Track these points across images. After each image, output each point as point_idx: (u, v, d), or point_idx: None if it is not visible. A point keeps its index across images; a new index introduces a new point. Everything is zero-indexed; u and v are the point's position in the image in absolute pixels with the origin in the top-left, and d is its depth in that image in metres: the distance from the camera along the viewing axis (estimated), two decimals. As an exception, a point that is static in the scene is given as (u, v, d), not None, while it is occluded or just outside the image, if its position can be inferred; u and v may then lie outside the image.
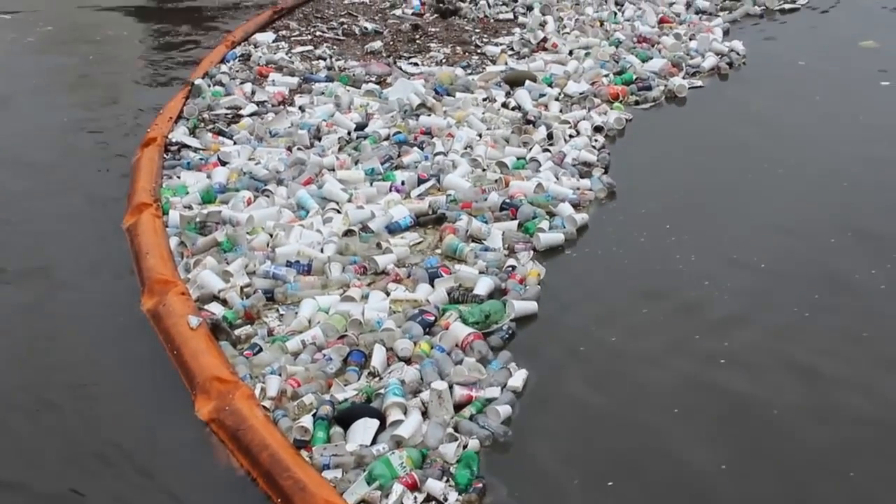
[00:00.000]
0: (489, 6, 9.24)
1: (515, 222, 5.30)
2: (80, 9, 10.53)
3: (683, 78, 7.61)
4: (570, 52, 8.02)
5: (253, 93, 7.21)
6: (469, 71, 7.71)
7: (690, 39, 8.35)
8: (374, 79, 7.50)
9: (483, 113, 6.78)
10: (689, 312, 4.51)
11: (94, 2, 10.81)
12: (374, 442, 3.69)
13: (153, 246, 5.04)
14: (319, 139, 6.43)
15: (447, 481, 3.48)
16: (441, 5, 9.29)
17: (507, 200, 5.48)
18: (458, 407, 3.88)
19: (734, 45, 8.20)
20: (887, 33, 8.79)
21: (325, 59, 7.97)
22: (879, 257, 4.94)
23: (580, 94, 7.12)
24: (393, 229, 5.27)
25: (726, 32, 8.64)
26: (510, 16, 9.05)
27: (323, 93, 7.18)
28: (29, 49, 9.10)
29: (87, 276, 5.00)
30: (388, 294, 4.64)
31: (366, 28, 8.73)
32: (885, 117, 6.96)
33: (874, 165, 6.12)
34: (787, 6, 9.31)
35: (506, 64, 7.80)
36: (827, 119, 6.95)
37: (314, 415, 3.80)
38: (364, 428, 3.74)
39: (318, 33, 8.69)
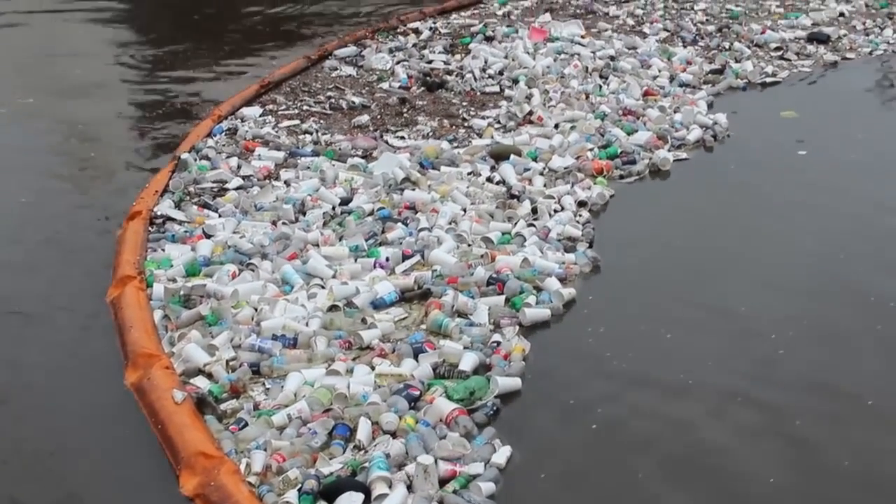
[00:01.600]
0: (475, 79, 9.47)
1: (502, 297, 5.43)
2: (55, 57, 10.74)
3: (668, 150, 7.81)
4: (556, 126, 8.22)
5: (239, 167, 7.38)
6: (455, 144, 7.90)
7: (675, 112, 8.57)
8: (359, 153, 7.67)
9: (468, 187, 6.94)
10: (677, 396, 4.60)
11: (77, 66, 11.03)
12: (358, 517, 3.77)
13: (137, 319, 5.15)
14: (304, 214, 6.58)
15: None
16: (428, 79, 9.51)
17: (494, 275, 5.61)
18: (442, 482, 3.97)
19: (718, 117, 8.42)
20: (846, 108, 8.99)
21: (311, 134, 8.15)
22: (877, 317, 5.07)
23: (564, 168, 7.30)
24: (378, 305, 5.39)
25: (710, 105, 8.87)
26: (496, 89, 9.27)
27: (308, 167, 7.34)
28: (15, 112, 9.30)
29: (68, 350, 5.09)
30: (373, 368, 4.75)
31: (353, 102, 8.94)
32: (880, 185, 7.14)
33: (865, 233, 6.28)
34: (768, 80, 9.57)
35: (492, 137, 7.99)
36: (813, 190, 7.12)
37: (299, 489, 3.88)
38: (349, 502, 3.82)
39: (305, 107, 8.89)
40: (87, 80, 10.35)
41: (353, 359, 4.88)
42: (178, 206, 6.74)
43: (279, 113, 8.74)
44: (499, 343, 5.00)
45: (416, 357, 4.87)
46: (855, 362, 4.86)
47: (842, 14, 11.14)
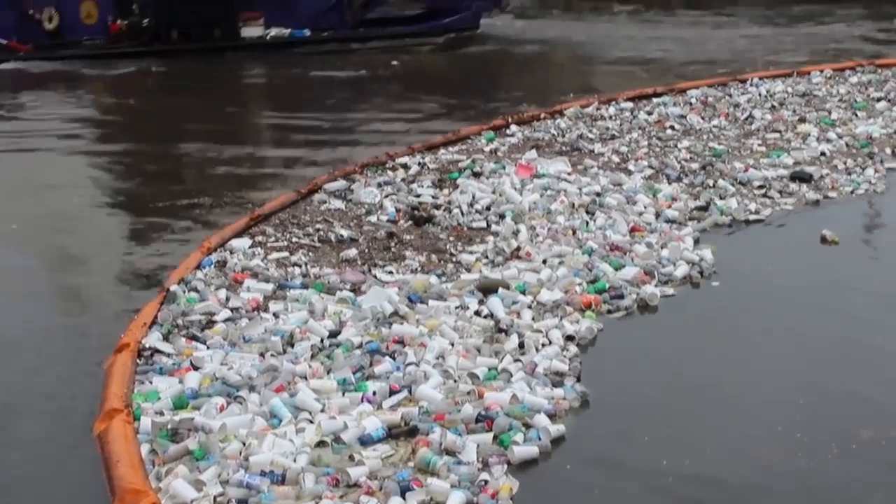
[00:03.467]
0: (462, 214, 9.67)
1: (490, 434, 5.49)
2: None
3: (656, 286, 7.97)
4: (544, 261, 8.38)
5: (227, 299, 7.48)
6: (443, 279, 8.04)
7: (662, 248, 8.76)
8: (348, 286, 7.80)
9: (455, 321, 7.06)
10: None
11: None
12: None
13: (124, 454, 5.18)
14: (293, 346, 6.67)
15: None
16: (415, 213, 9.71)
17: (483, 412, 5.68)
18: None
19: (704, 254, 8.61)
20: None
21: (300, 266, 8.30)
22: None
23: (553, 302, 7.44)
24: (365, 441, 5.44)
25: (696, 241, 9.06)
26: (483, 224, 9.46)
27: (297, 300, 7.46)
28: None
29: (53, 484, 5.10)
30: (360, 506, 4.78)
31: (341, 235, 9.10)
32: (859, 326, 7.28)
33: (854, 374, 6.39)
34: (751, 217, 9.80)
35: (480, 272, 8.15)
36: (801, 330, 7.26)
37: None
38: None
39: (294, 240, 9.05)
40: (72, 208, 10.53)
41: (341, 496, 4.91)
42: (166, 338, 6.82)
43: (268, 245, 8.88)
44: (486, 482, 5.04)
45: (403, 495, 4.90)
46: None
47: (823, 153, 11.46)
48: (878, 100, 13.70)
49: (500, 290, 7.57)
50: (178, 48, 20.13)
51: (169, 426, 5.51)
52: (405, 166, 11.19)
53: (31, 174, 12.19)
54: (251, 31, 20.71)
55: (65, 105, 16.92)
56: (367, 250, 8.80)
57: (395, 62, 20.04)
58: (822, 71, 15.62)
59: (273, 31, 20.87)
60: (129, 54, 20.09)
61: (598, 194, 10.04)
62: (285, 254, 8.63)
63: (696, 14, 25.33)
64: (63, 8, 20.72)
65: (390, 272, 8.23)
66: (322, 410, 5.76)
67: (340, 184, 10.55)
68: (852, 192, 10.57)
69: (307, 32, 20.84)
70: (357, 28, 21.21)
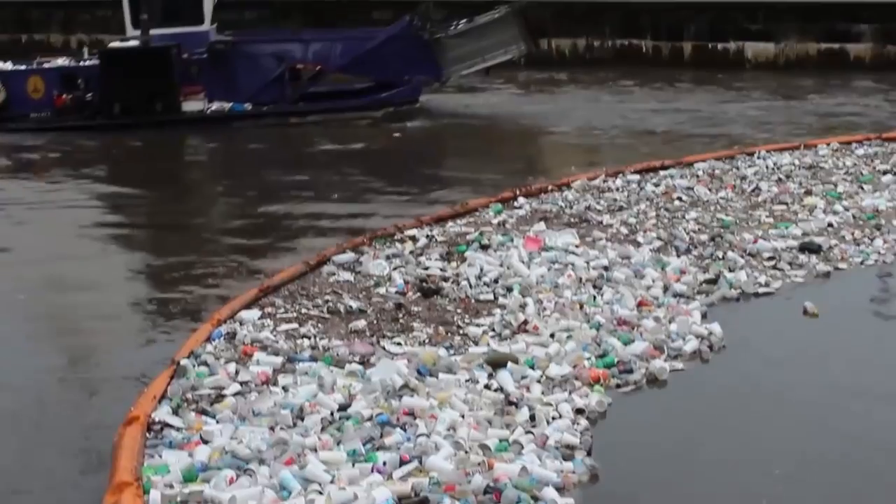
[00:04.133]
0: (470, 286, 9.77)
1: (499, 506, 5.54)
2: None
3: (665, 361, 8.03)
4: (552, 335, 8.46)
5: (237, 372, 7.56)
6: (452, 352, 8.12)
7: (670, 322, 8.83)
8: (357, 358, 7.88)
9: (466, 394, 7.13)
10: None
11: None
12: None
13: (135, 527, 5.23)
14: (302, 419, 6.73)
15: None
16: (424, 284, 9.82)
17: (492, 484, 5.73)
18: None
19: (713, 328, 8.68)
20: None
21: (309, 338, 8.39)
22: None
23: (562, 376, 7.51)
24: (376, 512, 5.49)
25: (705, 315, 9.13)
26: (491, 297, 9.56)
27: (306, 373, 7.54)
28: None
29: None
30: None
31: (350, 306, 9.21)
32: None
33: (866, 450, 6.43)
34: (760, 290, 9.87)
35: (488, 345, 8.23)
36: (810, 405, 7.31)
37: None
38: None
39: (303, 311, 9.16)
40: (84, 280, 10.67)
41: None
42: (175, 412, 6.90)
43: (278, 316, 8.99)
44: (497, 553, 5.07)
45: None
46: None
47: (830, 225, 11.57)
48: (885, 173, 13.84)
49: (509, 364, 7.64)
50: (120, 122, 20.66)
51: (179, 499, 5.57)
52: (413, 238, 11.32)
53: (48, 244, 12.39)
54: (192, 106, 21.25)
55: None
56: (375, 322, 8.89)
57: (397, 134, 20.48)
58: (828, 144, 15.78)
59: (214, 106, 21.41)
60: (74, 127, 20.63)
61: (605, 268, 10.12)
62: (294, 325, 8.73)
63: (710, 87, 25.65)
64: (11, 82, 21.33)
65: (399, 343, 8.31)
66: (332, 481, 5.81)
67: (349, 256, 10.67)
68: (862, 263, 10.66)
69: (248, 107, 21.40)
70: (296, 102, 21.74)
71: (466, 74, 22.80)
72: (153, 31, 21.20)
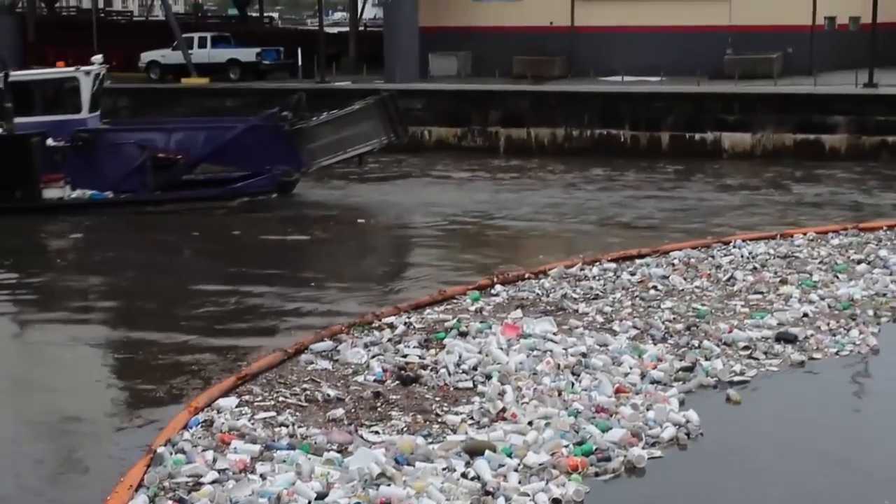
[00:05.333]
0: (449, 374, 9.86)
1: None
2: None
3: (643, 448, 8.12)
4: (530, 423, 8.54)
5: (214, 460, 7.60)
6: (430, 440, 8.18)
7: (648, 410, 8.93)
8: (335, 447, 7.93)
9: (442, 483, 7.18)
10: None
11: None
12: None
13: None
14: (280, 508, 6.77)
15: None
16: (402, 372, 9.90)
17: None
18: None
19: (690, 415, 8.78)
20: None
21: (287, 426, 8.44)
22: None
23: (539, 464, 7.58)
24: None
25: (682, 403, 9.24)
26: (470, 384, 9.65)
27: (284, 461, 7.58)
28: None
29: None
30: None
31: (328, 395, 9.28)
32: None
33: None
34: (736, 378, 10.00)
35: (466, 433, 8.30)
36: (787, 491, 7.39)
37: None
38: None
39: (281, 399, 9.22)
40: (60, 371, 10.70)
41: None
42: (152, 501, 6.92)
43: (255, 404, 9.04)
44: None
45: None
46: None
47: (806, 314, 11.75)
48: (859, 262, 14.08)
49: (487, 452, 7.71)
50: None
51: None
52: (391, 326, 11.43)
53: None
54: (52, 193, 21.75)
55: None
56: (353, 410, 8.96)
57: (360, 220, 20.78)
58: (805, 233, 16.03)
59: (75, 193, 21.89)
60: None
61: (583, 355, 10.26)
62: (272, 413, 8.79)
63: (688, 176, 26.07)
64: None
65: (377, 432, 8.37)
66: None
67: (327, 344, 10.76)
68: (837, 353, 10.80)
69: (109, 194, 21.92)
70: (154, 191, 22.26)
71: (328, 165, 23.33)
72: (29, 119, 21.72)
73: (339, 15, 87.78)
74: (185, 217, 20.86)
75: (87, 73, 22.58)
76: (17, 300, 14.95)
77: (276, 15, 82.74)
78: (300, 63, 38.98)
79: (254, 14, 64.25)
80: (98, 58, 23.46)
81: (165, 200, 22.09)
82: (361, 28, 53.03)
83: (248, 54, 40.12)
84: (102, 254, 18.85)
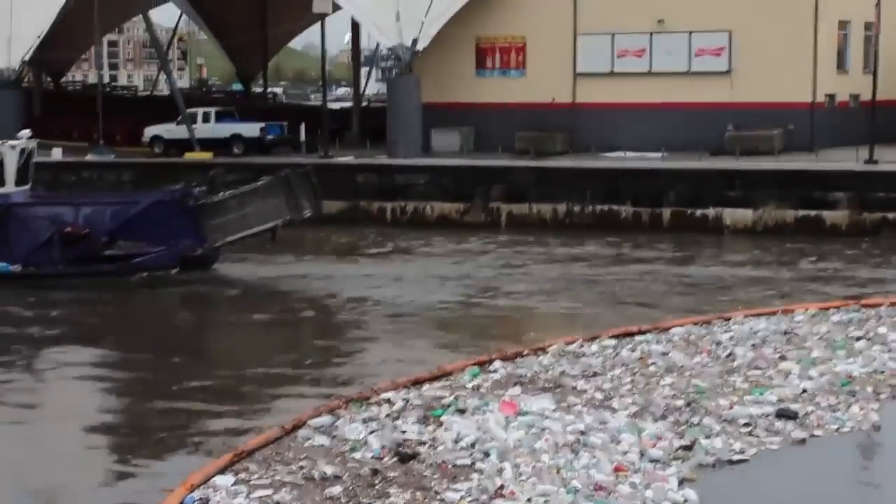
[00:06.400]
0: (448, 451, 9.85)
1: None
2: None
3: (640, 528, 8.10)
4: (529, 500, 8.53)
5: (210, 538, 7.59)
6: (428, 519, 8.16)
7: (646, 489, 8.92)
8: (331, 525, 7.92)
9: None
10: None
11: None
12: None
13: None
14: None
15: None
16: (400, 449, 9.90)
17: None
18: None
19: (688, 494, 8.76)
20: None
21: (283, 506, 8.43)
22: None
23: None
24: None
25: (681, 482, 9.22)
26: (468, 461, 9.64)
27: (280, 539, 7.56)
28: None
29: None
30: None
31: (325, 472, 9.27)
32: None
33: None
34: (736, 457, 9.99)
35: (464, 511, 8.28)
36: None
37: None
38: None
39: (277, 477, 9.20)
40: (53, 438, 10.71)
41: None
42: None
43: (252, 482, 9.02)
44: None
45: None
46: None
47: (804, 391, 11.75)
48: (858, 339, 14.10)
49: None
50: None
51: None
52: (389, 402, 11.44)
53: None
54: None
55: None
56: (351, 487, 8.94)
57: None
58: (806, 309, 16.07)
59: None
60: None
61: (582, 433, 10.26)
62: (269, 492, 8.77)
63: (689, 252, 26.20)
64: None
65: (374, 511, 8.36)
66: None
67: (325, 419, 10.77)
68: (838, 430, 10.79)
69: (16, 268, 22.24)
70: (57, 266, 22.53)
71: (232, 242, 23.63)
72: None
73: (342, 90, 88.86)
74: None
75: (13, 147, 23.13)
76: None
77: (279, 90, 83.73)
78: (303, 138, 39.40)
79: (258, 89, 65.06)
80: (26, 132, 24.24)
81: (67, 274, 22.44)
82: (365, 103, 53.68)
83: (251, 129, 40.58)
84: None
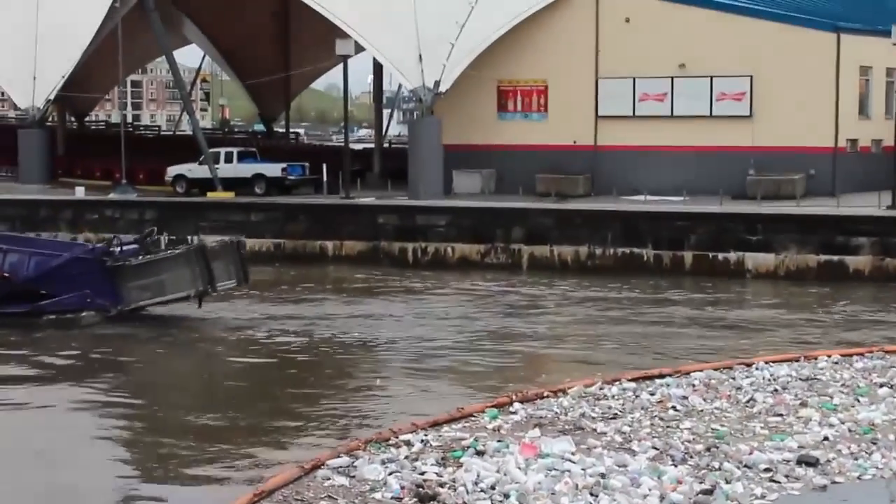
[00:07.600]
0: (467, 492, 9.89)
1: None
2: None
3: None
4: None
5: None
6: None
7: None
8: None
9: None
10: None
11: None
12: None
13: None
14: None
15: None
16: (420, 490, 9.94)
17: None
18: None
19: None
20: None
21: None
22: None
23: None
24: None
25: (700, 527, 9.23)
26: (488, 503, 9.66)
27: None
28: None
29: None
30: None
31: (343, 515, 9.32)
32: None
33: None
34: (756, 502, 9.96)
35: (482, 553, 8.30)
36: None
37: None
38: None
39: (296, 517, 9.27)
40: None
41: None
42: None
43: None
44: None
45: None
46: None
47: (826, 438, 11.73)
48: (881, 385, 14.07)
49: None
50: None
51: None
52: (408, 443, 11.48)
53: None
54: None
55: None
56: (370, 528, 8.98)
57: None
58: (829, 356, 16.00)
59: None
60: None
61: (602, 475, 10.27)
62: (288, 534, 8.82)
63: (711, 296, 26.18)
64: None
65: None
66: None
67: (344, 460, 10.82)
68: (859, 478, 10.76)
69: None
70: None
71: (147, 306, 24.05)
72: None
73: (364, 132, 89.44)
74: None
75: None
76: None
77: (301, 131, 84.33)
78: (325, 178, 39.69)
79: (280, 130, 65.57)
80: None
81: None
82: (386, 145, 54.05)
83: (273, 169, 40.92)
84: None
